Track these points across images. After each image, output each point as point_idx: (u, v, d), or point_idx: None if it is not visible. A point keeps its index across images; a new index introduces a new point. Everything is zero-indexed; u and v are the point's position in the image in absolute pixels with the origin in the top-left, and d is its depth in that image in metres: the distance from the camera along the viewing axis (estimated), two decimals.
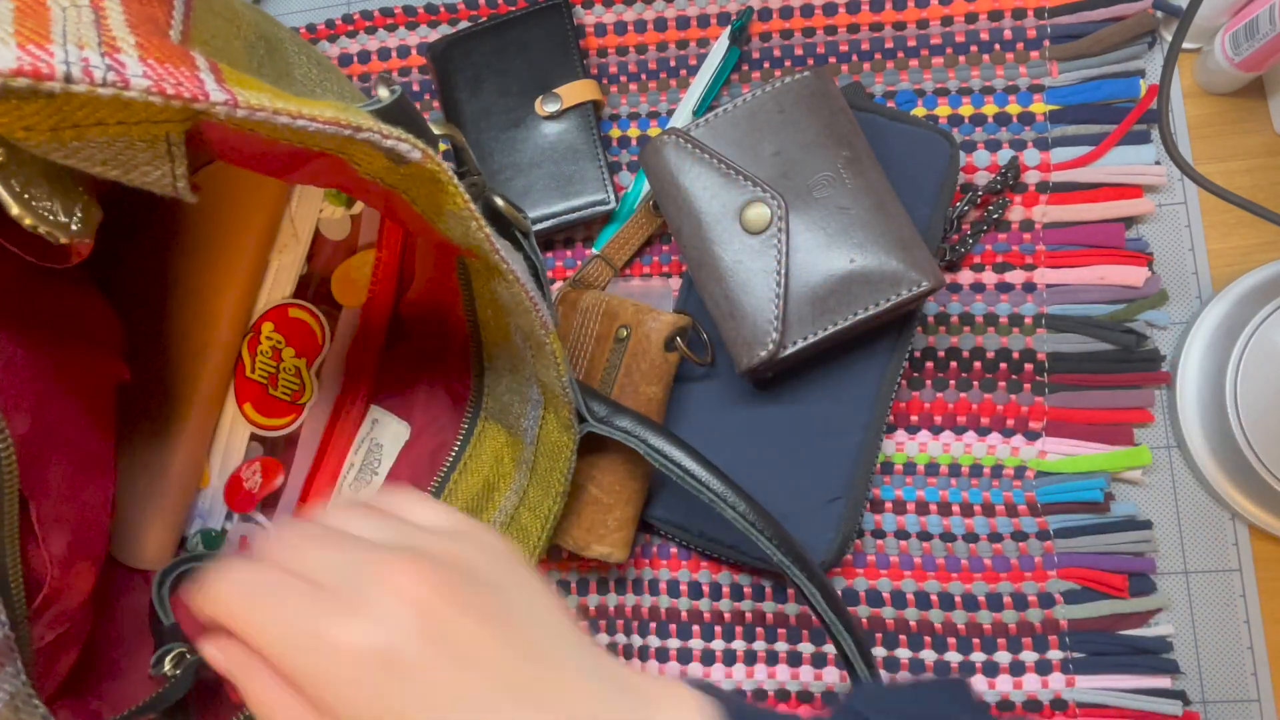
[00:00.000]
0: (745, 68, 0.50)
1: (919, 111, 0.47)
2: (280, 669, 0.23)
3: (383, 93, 0.27)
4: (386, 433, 0.44)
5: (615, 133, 0.51)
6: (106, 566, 0.42)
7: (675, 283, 0.49)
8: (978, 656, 0.44)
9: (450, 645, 0.23)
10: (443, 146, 0.30)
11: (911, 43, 0.48)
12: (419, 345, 0.45)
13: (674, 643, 0.46)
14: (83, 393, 0.37)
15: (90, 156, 0.21)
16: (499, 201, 0.33)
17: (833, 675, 0.45)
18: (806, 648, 0.45)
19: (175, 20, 0.23)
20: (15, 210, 0.24)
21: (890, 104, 0.48)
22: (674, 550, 0.47)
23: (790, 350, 0.41)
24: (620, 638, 0.47)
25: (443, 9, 0.53)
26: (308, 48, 0.35)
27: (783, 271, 0.41)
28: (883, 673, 0.44)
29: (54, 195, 0.25)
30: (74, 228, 0.26)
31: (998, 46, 0.47)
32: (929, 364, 0.46)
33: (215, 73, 0.21)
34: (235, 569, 0.24)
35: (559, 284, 0.50)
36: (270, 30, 0.32)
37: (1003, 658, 0.44)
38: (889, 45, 0.48)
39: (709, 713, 0.25)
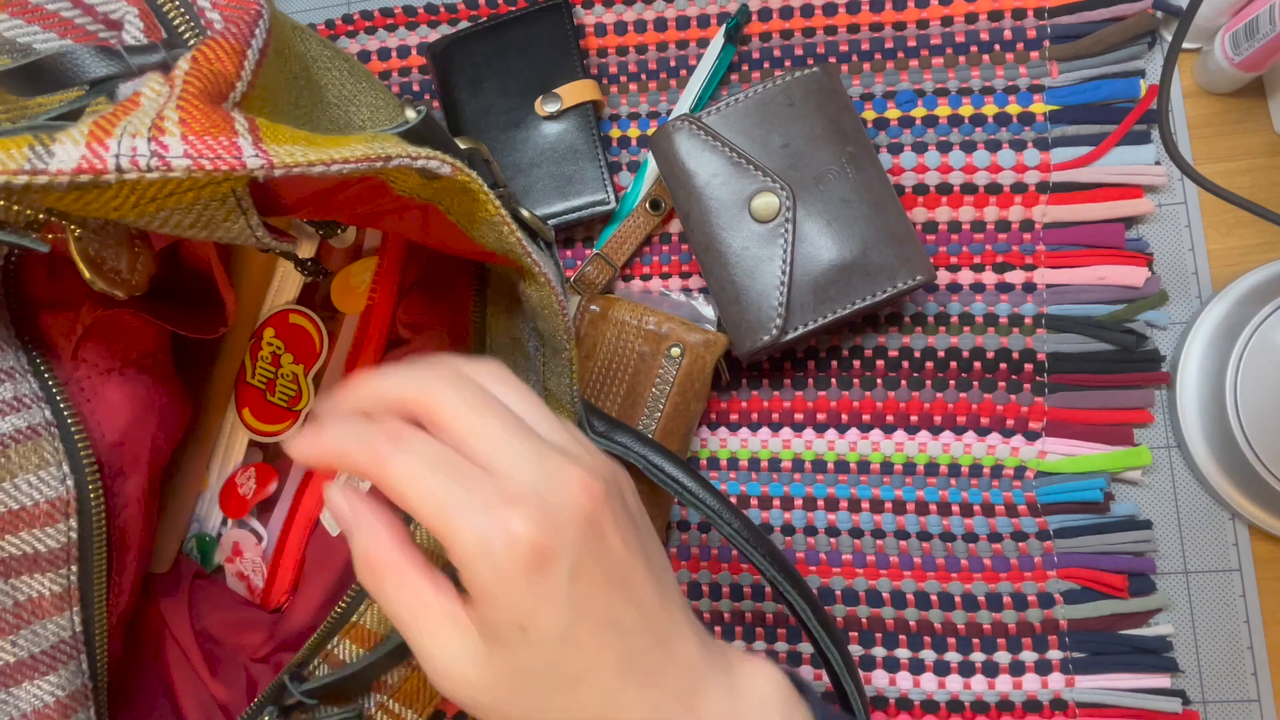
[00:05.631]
0: (745, 68, 0.50)
1: (919, 111, 0.47)
2: (436, 533, 0.23)
3: (409, 114, 0.29)
4: None
5: (615, 133, 0.51)
6: None
7: (675, 283, 0.49)
8: (978, 656, 0.44)
9: (604, 566, 0.23)
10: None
11: (911, 43, 0.48)
12: (417, 353, 0.45)
13: None
14: (168, 444, 0.38)
15: (178, 223, 0.23)
16: (524, 213, 0.34)
17: None
18: (806, 648, 0.45)
19: (245, 72, 0.24)
20: (88, 274, 0.26)
21: (890, 104, 0.48)
22: (674, 550, 0.47)
23: (791, 336, 0.43)
24: None
25: (443, 9, 0.53)
26: (340, 55, 0.35)
27: (789, 260, 0.43)
28: (881, 671, 0.44)
29: (120, 255, 0.27)
30: (133, 281, 0.28)
31: (998, 46, 0.47)
32: (929, 364, 0.46)
33: (253, 134, 0.22)
34: (413, 443, 0.23)
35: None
36: (306, 51, 0.32)
37: (1002, 658, 0.44)
38: (889, 45, 0.48)
39: (783, 687, 0.27)
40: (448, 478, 0.23)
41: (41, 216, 0.25)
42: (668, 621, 0.25)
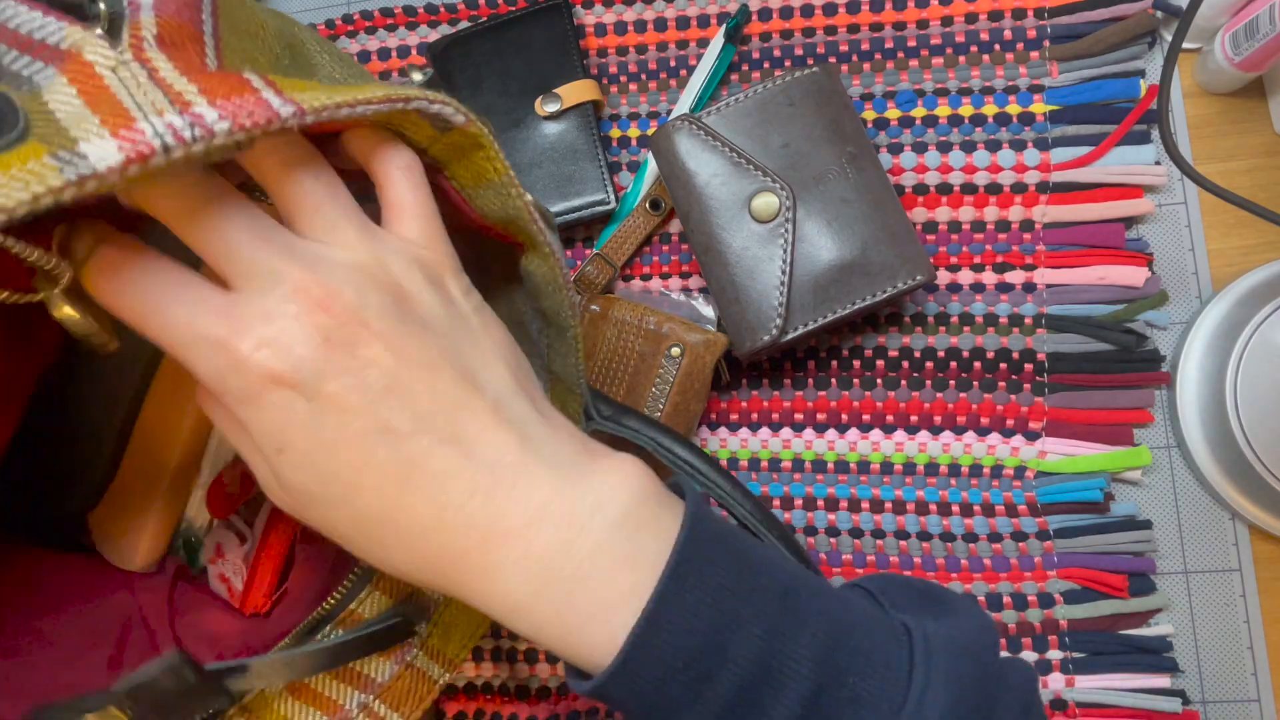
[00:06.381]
0: (745, 68, 0.50)
1: (919, 111, 0.47)
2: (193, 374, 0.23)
3: (416, 76, 0.29)
4: None
5: (615, 133, 0.51)
6: (94, 566, 0.42)
7: (675, 283, 0.49)
8: None
9: (361, 377, 0.23)
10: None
11: (911, 43, 0.48)
12: None
13: None
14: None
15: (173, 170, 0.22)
16: (526, 195, 0.33)
17: None
18: None
19: (208, 55, 0.24)
20: (96, 341, 0.24)
21: (890, 104, 0.48)
22: None
23: (791, 336, 0.43)
24: None
25: (443, 9, 0.53)
26: (328, 45, 0.35)
27: (789, 260, 0.43)
28: None
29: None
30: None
31: (998, 46, 0.47)
32: (929, 364, 0.46)
33: (273, 87, 0.22)
34: (138, 259, 0.23)
35: None
36: (291, 33, 0.32)
37: None
38: (889, 45, 0.48)
39: (635, 487, 0.26)
40: (172, 307, 0.22)
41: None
42: (464, 423, 0.24)
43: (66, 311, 0.24)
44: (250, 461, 0.25)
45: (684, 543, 0.25)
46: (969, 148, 0.47)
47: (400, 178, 0.26)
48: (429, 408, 0.24)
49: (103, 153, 0.19)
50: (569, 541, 0.24)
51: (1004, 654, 0.28)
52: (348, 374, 0.23)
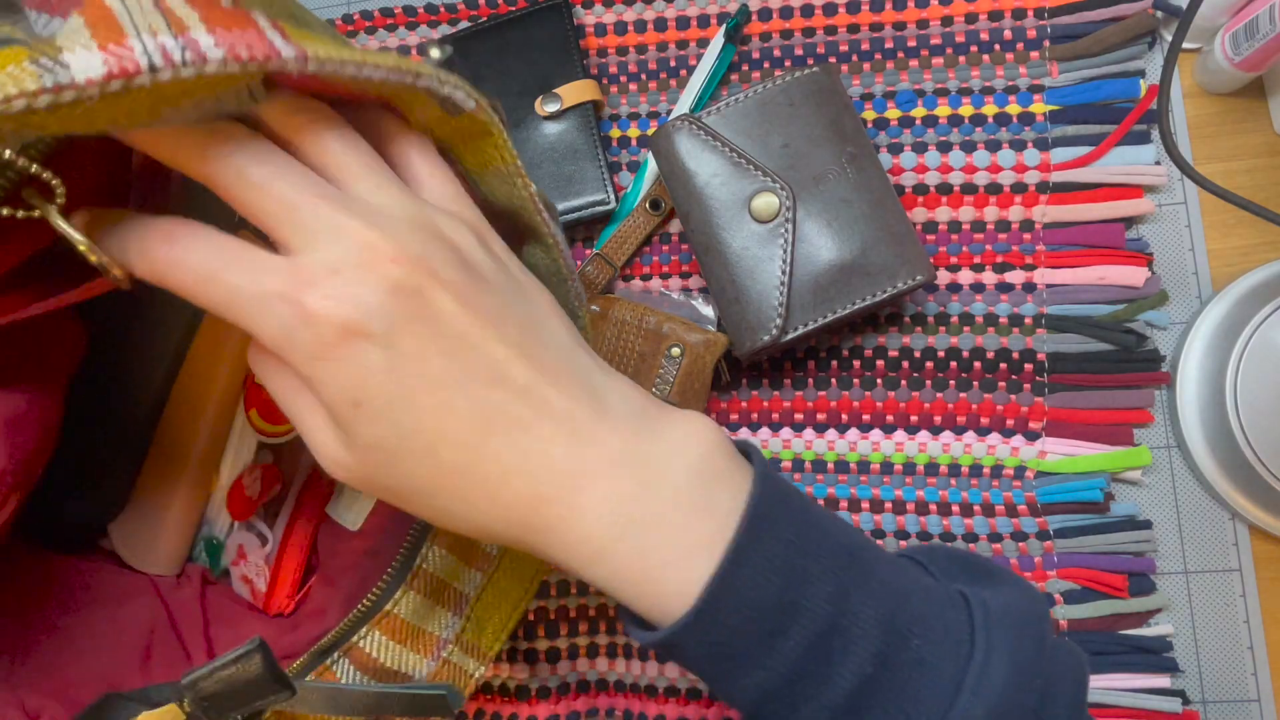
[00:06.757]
0: (745, 68, 0.50)
1: (919, 111, 0.47)
2: (254, 337, 0.23)
3: (434, 53, 0.28)
4: None
5: (615, 133, 0.51)
6: (118, 571, 0.42)
7: (675, 283, 0.49)
8: None
9: (434, 327, 0.23)
10: None
11: (911, 43, 0.48)
12: None
13: None
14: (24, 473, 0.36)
15: (183, 119, 0.22)
16: (532, 186, 0.34)
17: None
18: None
19: None
20: (83, 246, 0.24)
21: (890, 104, 0.48)
22: None
23: (791, 336, 0.43)
24: (620, 638, 0.47)
25: (443, 9, 0.53)
26: (339, 35, 0.35)
27: (789, 260, 0.43)
28: None
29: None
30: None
31: (998, 46, 0.47)
32: (929, 364, 0.46)
33: (279, 30, 0.22)
34: (191, 229, 0.23)
35: None
36: (300, 13, 0.32)
37: None
38: (889, 45, 0.48)
39: (709, 441, 0.26)
40: (233, 269, 0.22)
41: (18, 173, 0.23)
42: (536, 373, 0.24)
43: (63, 227, 0.22)
44: (310, 429, 0.25)
45: (758, 497, 0.25)
46: (969, 148, 0.47)
47: (416, 155, 0.26)
48: (504, 355, 0.24)
49: (85, 64, 0.19)
50: (650, 484, 0.25)
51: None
52: (421, 321, 0.23)
